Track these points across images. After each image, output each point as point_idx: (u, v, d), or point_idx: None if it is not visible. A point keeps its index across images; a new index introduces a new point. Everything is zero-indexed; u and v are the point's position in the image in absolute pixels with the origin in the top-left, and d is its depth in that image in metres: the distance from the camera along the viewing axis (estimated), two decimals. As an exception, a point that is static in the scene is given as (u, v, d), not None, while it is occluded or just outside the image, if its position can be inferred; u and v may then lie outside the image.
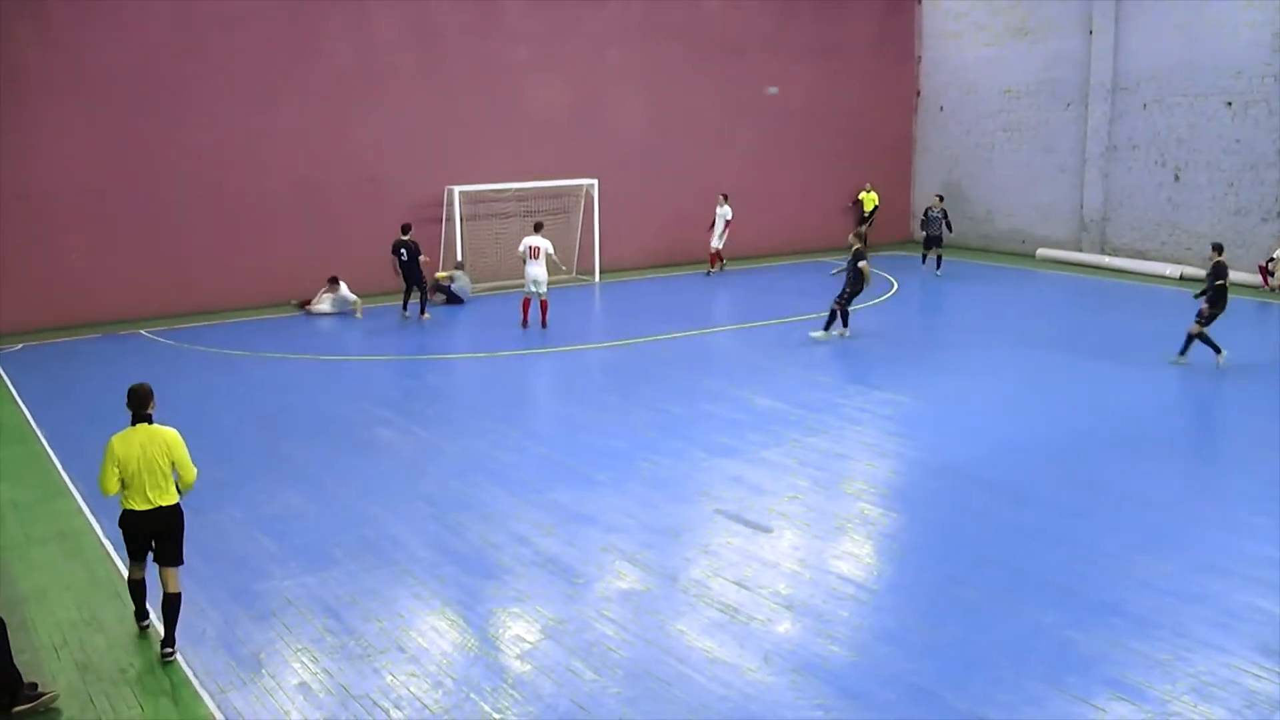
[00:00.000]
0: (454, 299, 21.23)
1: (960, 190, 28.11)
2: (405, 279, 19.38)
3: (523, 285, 18.74)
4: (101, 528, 9.81)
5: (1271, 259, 21.60)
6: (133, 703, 7.00)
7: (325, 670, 7.30)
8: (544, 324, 18.47)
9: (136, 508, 7.45)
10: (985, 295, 22.23)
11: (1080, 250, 25.72)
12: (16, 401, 14.42)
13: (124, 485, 7.42)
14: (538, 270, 18.24)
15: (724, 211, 23.95)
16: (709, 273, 24.31)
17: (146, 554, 7.70)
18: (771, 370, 15.61)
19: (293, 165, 20.66)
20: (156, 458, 7.39)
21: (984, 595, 8.31)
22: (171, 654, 7.49)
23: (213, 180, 19.92)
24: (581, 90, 23.79)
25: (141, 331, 18.69)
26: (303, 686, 7.10)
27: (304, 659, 7.46)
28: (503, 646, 7.63)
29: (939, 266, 24.07)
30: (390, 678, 7.19)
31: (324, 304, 20.33)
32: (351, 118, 21.16)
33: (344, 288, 20.21)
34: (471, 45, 22.34)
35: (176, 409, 13.26)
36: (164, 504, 7.47)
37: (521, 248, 18.54)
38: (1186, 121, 23.48)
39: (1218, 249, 15.38)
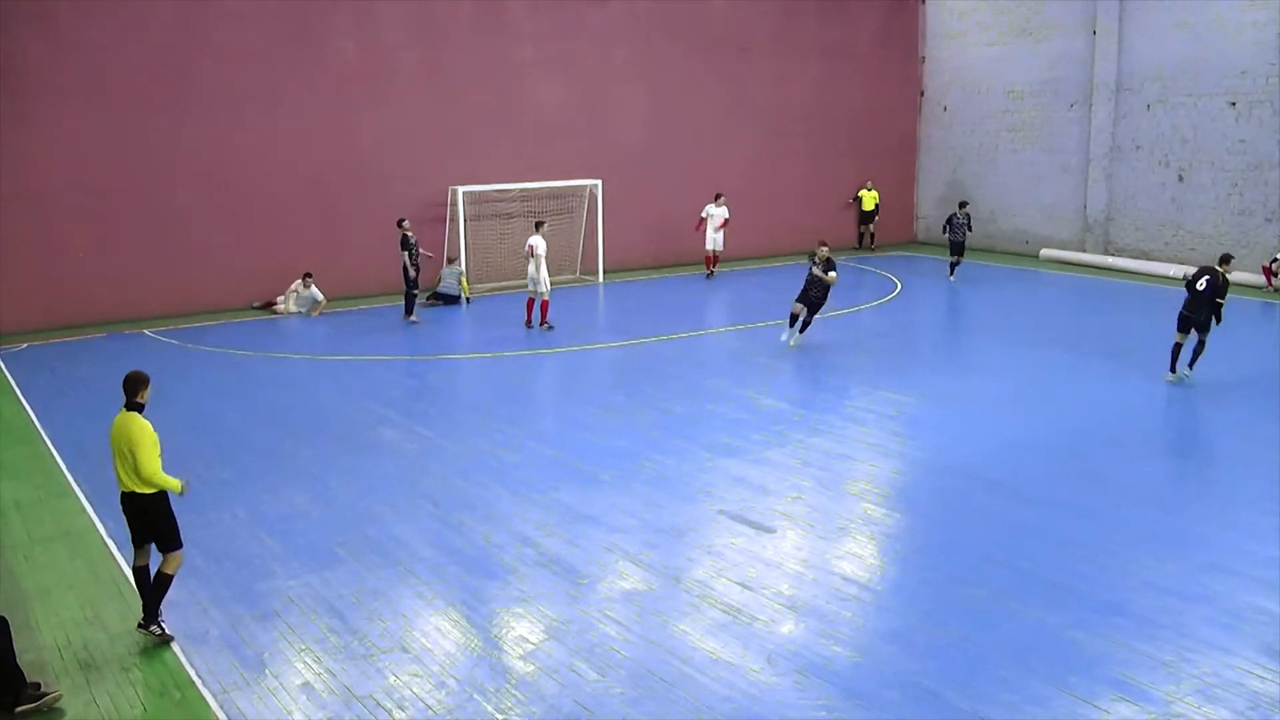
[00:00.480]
0: (449, 299, 21.19)
1: (964, 190, 28.06)
2: (414, 280, 19.24)
3: (525, 284, 18.83)
4: (105, 527, 9.82)
5: (1275, 259, 21.58)
6: (136, 702, 7.01)
7: (329, 670, 7.31)
8: (543, 323, 18.47)
9: (120, 489, 7.66)
10: (989, 296, 22.20)
11: (1084, 250, 25.70)
12: (21, 401, 14.44)
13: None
14: (535, 270, 18.27)
15: (721, 211, 23.68)
16: (709, 275, 24.21)
17: (145, 542, 7.78)
18: (775, 370, 15.60)
19: (297, 165, 20.69)
20: (121, 445, 7.51)
21: (987, 595, 8.30)
22: (145, 629, 7.62)
23: (217, 180, 19.95)
24: (586, 90, 23.82)
25: (145, 331, 18.70)
26: (306, 687, 7.11)
27: (307, 659, 7.47)
28: (506, 647, 7.63)
29: (952, 273, 23.32)
30: (394, 678, 7.19)
31: (290, 303, 20.26)
32: (356, 118, 21.19)
33: (314, 287, 20.16)
34: (476, 45, 22.35)
35: (180, 408, 13.39)
36: (135, 490, 7.55)
37: (525, 247, 18.64)
38: (1190, 122, 23.45)
39: (1227, 260, 14.50)
